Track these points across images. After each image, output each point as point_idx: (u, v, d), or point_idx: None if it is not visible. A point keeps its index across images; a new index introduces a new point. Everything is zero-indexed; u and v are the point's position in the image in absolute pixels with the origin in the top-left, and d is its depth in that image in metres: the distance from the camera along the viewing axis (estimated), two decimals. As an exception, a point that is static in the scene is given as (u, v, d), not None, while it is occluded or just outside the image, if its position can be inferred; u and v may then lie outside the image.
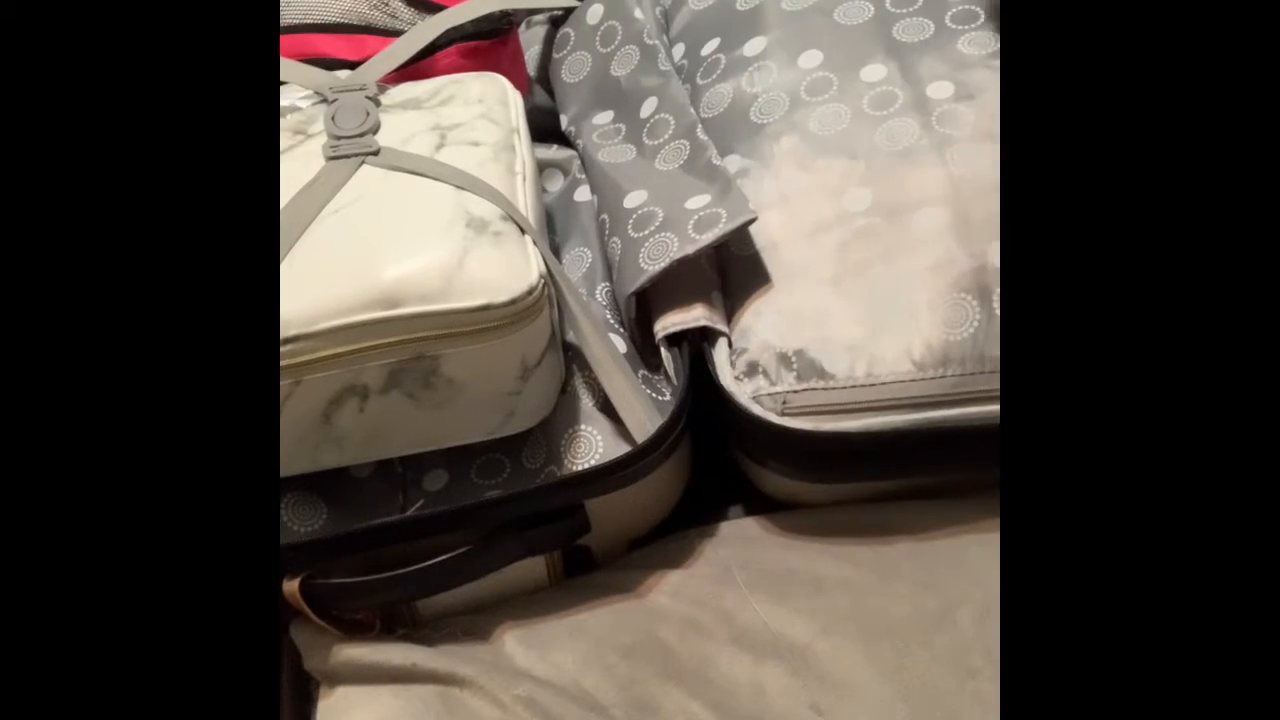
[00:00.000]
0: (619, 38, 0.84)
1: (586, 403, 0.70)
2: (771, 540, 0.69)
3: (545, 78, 0.91)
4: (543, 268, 0.64)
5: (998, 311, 0.63)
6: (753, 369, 0.66)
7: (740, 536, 0.70)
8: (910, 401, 0.64)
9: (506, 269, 0.63)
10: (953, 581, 0.64)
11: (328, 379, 0.62)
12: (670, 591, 0.67)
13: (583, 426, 0.69)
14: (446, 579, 0.65)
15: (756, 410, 0.65)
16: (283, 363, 0.61)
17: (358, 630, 0.65)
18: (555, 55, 0.90)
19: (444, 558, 0.63)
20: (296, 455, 0.64)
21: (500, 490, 0.68)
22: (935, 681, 0.61)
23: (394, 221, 0.64)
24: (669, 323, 0.68)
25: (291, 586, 0.62)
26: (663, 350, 0.68)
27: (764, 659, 0.63)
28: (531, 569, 0.68)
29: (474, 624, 0.67)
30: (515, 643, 0.65)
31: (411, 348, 0.62)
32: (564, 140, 0.86)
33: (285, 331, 0.60)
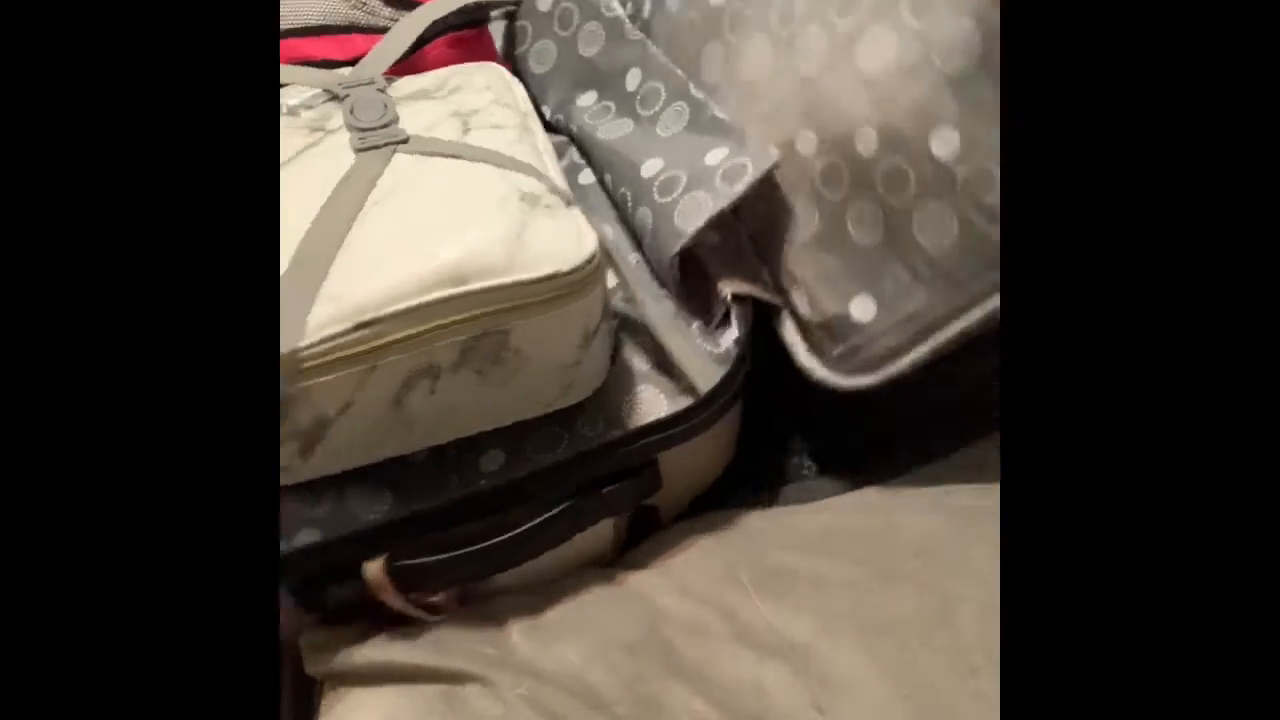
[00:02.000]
0: (576, 17, 0.84)
1: (641, 366, 0.72)
2: (774, 539, 0.69)
3: (512, 72, 0.91)
4: (596, 236, 0.65)
5: (962, 207, 0.65)
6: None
7: (744, 535, 0.70)
8: (935, 323, 0.67)
9: (565, 239, 0.64)
10: (953, 580, 0.65)
11: (401, 361, 0.62)
12: (674, 589, 0.67)
13: (640, 388, 0.71)
14: (529, 548, 0.67)
15: (833, 379, 0.70)
16: (358, 349, 0.61)
17: (434, 613, 0.66)
18: (517, 50, 0.90)
19: (526, 526, 0.65)
20: (366, 443, 0.65)
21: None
22: (936, 680, 0.61)
23: (445, 203, 0.65)
24: (740, 288, 0.72)
25: (375, 567, 0.63)
26: (730, 306, 0.71)
27: (766, 657, 0.63)
28: (597, 539, 0.70)
29: (481, 615, 0.67)
30: (521, 635, 0.66)
31: (481, 323, 0.62)
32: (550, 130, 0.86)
33: (359, 317, 0.60)
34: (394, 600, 0.64)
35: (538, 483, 0.66)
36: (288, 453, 0.63)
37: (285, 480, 0.65)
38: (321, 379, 0.61)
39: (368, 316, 0.61)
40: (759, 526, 0.71)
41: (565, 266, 0.63)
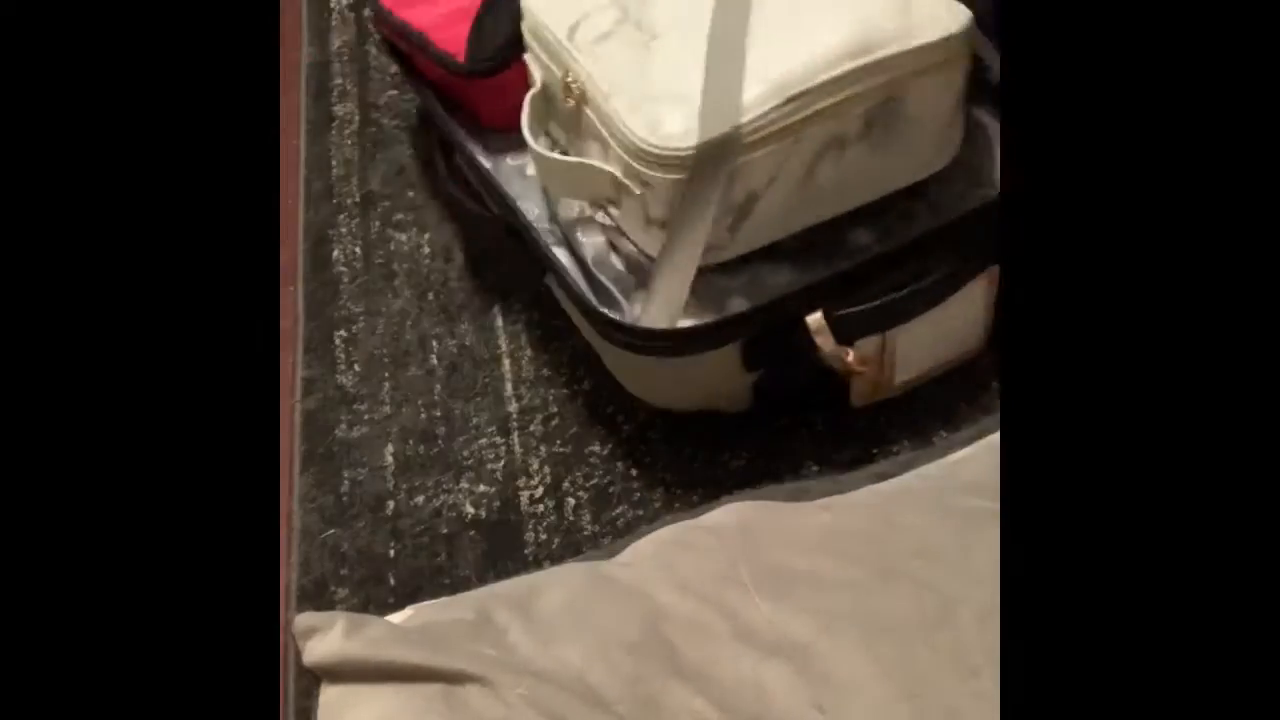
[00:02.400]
0: None
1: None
2: (775, 539, 0.69)
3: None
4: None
5: None
6: None
7: (744, 534, 0.70)
8: None
9: (942, 6, 0.72)
10: (954, 580, 0.65)
11: (819, 132, 0.70)
12: (676, 588, 0.67)
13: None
14: (938, 295, 0.75)
15: None
16: (788, 121, 0.69)
17: (849, 377, 0.75)
18: None
19: (933, 278, 0.74)
20: (782, 217, 0.74)
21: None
22: (937, 680, 0.61)
23: None
24: None
25: (816, 318, 0.71)
26: None
27: (767, 657, 0.63)
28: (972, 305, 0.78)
29: (481, 615, 0.67)
30: (521, 635, 0.65)
31: (886, 89, 0.71)
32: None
33: (787, 92, 0.68)
34: (830, 347, 0.71)
35: (955, 228, 0.75)
36: (719, 230, 0.71)
37: (713, 260, 0.74)
38: (757, 154, 0.70)
39: (796, 90, 0.69)
40: (760, 526, 0.71)
41: (955, 29, 0.71)
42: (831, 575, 0.66)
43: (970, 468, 0.74)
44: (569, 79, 0.76)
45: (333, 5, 1.22)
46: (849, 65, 0.70)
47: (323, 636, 0.66)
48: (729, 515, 0.73)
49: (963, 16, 0.72)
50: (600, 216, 0.81)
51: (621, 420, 0.84)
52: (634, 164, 0.72)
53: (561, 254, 0.81)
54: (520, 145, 0.85)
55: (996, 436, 0.74)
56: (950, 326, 0.78)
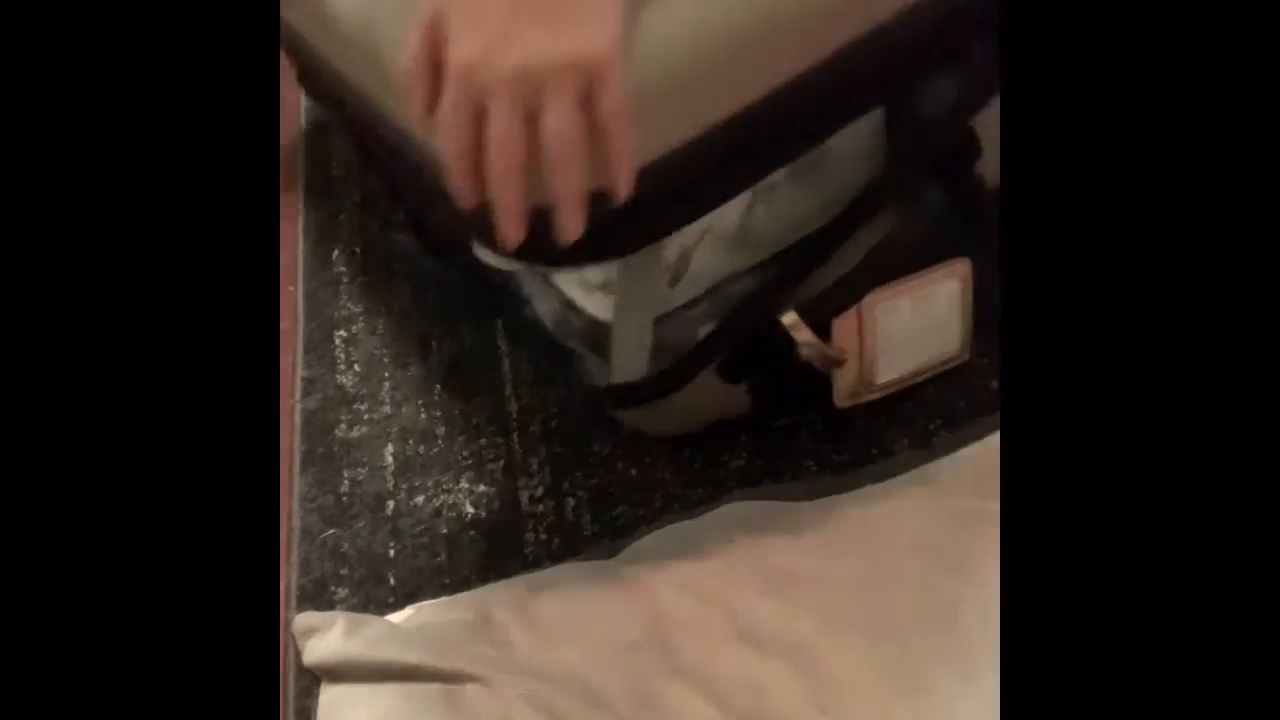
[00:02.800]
0: None
1: None
2: (776, 539, 0.69)
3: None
4: None
5: None
6: None
7: (745, 534, 0.70)
8: None
9: None
10: (954, 580, 0.65)
11: None
12: (676, 588, 0.67)
13: None
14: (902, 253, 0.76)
15: None
16: None
17: (833, 366, 0.75)
18: None
19: (885, 241, 0.75)
20: (713, 269, 0.74)
21: None
22: (937, 680, 0.61)
23: None
24: None
25: (790, 316, 0.72)
26: None
27: (768, 656, 0.63)
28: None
29: (481, 615, 0.67)
30: (521, 635, 0.65)
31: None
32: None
33: None
34: (809, 340, 0.71)
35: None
36: (659, 288, 0.72)
37: (661, 311, 0.73)
38: None
39: None
40: (760, 526, 0.71)
41: None
42: (831, 575, 0.66)
43: (970, 468, 0.74)
44: None
45: (333, 5, 1.22)
46: None
47: (323, 636, 0.66)
48: (729, 515, 0.73)
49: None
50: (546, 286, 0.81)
51: (621, 420, 0.84)
52: None
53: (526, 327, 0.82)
54: None
55: (996, 436, 0.74)
56: (924, 325, 0.79)
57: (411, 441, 0.86)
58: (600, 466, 0.82)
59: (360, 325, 0.94)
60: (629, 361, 0.74)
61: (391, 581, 0.77)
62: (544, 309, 0.81)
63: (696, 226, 0.70)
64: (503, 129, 0.53)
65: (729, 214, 0.71)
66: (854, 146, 0.73)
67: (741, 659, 0.63)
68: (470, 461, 0.84)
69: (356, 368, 0.91)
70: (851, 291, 0.75)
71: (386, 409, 0.88)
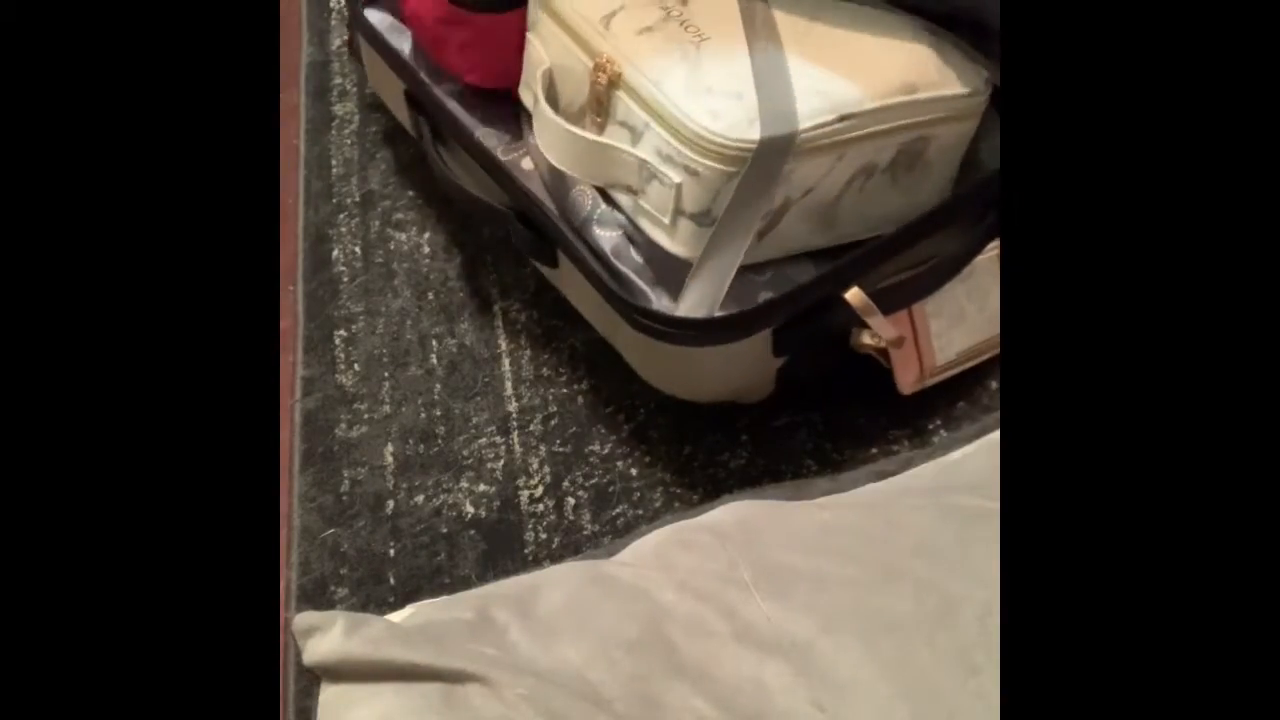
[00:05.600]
0: None
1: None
2: (776, 538, 0.69)
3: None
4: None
5: None
6: None
7: (745, 533, 0.70)
8: None
9: (967, 64, 0.78)
10: (954, 580, 0.64)
11: (857, 155, 0.74)
12: (676, 587, 0.67)
13: None
14: (954, 269, 0.78)
15: None
16: (833, 139, 0.73)
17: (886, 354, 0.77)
18: None
19: (946, 256, 0.78)
20: (802, 233, 0.78)
21: None
22: (937, 679, 0.61)
23: (866, 30, 0.78)
24: None
25: (856, 293, 0.74)
26: None
27: (767, 656, 0.63)
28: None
29: (481, 615, 0.67)
30: (520, 634, 0.65)
31: (920, 129, 0.76)
32: None
33: (838, 112, 0.73)
34: (874, 319, 0.74)
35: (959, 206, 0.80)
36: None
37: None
38: (803, 163, 0.73)
39: (851, 110, 0.73)
40: (760, 525, 0.70)
41: (980, 85, 0.77)
42: (831, 574, 0.66)
43: (970, 468, 0.74)
44: (603, 61, 0.76)
45: (333, 5, 1.22)
46: (900, 99, 0.75)
47: (323, 636, 0.66)
48: (729, 514, 0.73)
49: (982, 76, 0.77)
50: (610, 210, 0.81)
51: (621, 420, 0.84)
52: (685, 151, 0.73)
53: (580, 245, 0.81)
54: (513, 140, 0.85)
55: (996, 436, 0.74)
56: (977, 300, 0.80)
57: (411, 441, 0.86)
58: (600, 466, 0.82)
59: (360, 325, 0.94)
60: (703, 297, 0.75)
61: (391, 581, 0.77)
62: (603, 235, 0.81)
63: (801, 184, 0.74)
64: None
65: (828, 189, 0.74)
66: (946, 158, 0.80)
67: (741, 658, 0.63)
68: (470, 461, 0.84)
69: (356, 368, 0.91)
70: (911, 294, 0.78)
71: (386, 409, 0.88)
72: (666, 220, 0.76)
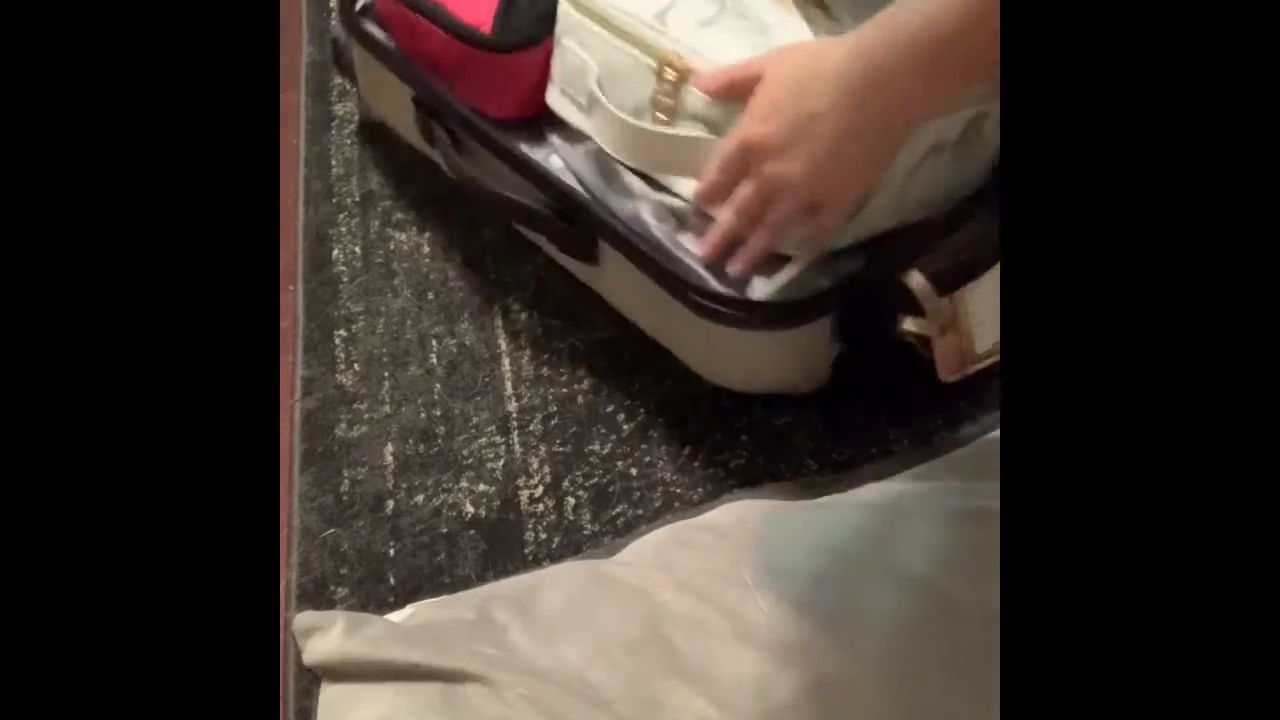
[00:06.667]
0: None
1: None
2: (776, 538, 0.69)
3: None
4: None
5: None
6: None
7: (745, 533, 0.70)
8: None
9: None
10: (954, 581, 0.65)
11: (931, 131, 0.73)
12: (676, 587, 0.67)
13: None
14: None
15: None
16: None
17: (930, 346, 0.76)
18: None
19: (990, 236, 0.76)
20: (875, 217, 0.76)
21: None
22: (937, 680, 0.61)
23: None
24: None
25: (916, 276, 0.73)
26: None
27: (767, 656, 0.63)
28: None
29: (481, 615, 0.67)
30: (520, 634, 0.65)
31: (986, 102, 0.75)
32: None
33: None
34: (930, 298, 0.73)
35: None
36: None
37: (826, 248, 0.76)
38: None
39: None
40: (760, 525, 0.71)
41: None
42: (831, 574, 0.66)
43: (970, 468, 0.74)
44: (671, 57, 0.76)
45: (332, 5, 1.22)
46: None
47: (323, 636, 0.66)
48: (729, 514, 0.73)
49: None
50: (660, 201, 0.81)
51: (621, 420, 0.84)
52: None
53: (633, 237, 0.81)
54: (533, 142, 0.84)
55: (996, 436, 0.74)
56: None
57: (411, 441, 0.86)
58: (600, 466, 0.82)
59: (360, 325, 0.94)
60: (780, 279, 0.75)
61: (391, 581, 0.77)
62: (657, 225, 0.81)
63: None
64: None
65: (904, 164, 0.74)
66: (995, 139, 0.79)
67: (741, 658, 0.63)
68: (470, 461, 0.84)
69: (356, 367, 0.91)
70: (958, 277, 0.77)
71: (386, 409, 0.88)
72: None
